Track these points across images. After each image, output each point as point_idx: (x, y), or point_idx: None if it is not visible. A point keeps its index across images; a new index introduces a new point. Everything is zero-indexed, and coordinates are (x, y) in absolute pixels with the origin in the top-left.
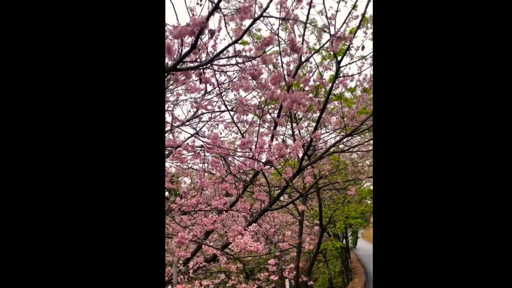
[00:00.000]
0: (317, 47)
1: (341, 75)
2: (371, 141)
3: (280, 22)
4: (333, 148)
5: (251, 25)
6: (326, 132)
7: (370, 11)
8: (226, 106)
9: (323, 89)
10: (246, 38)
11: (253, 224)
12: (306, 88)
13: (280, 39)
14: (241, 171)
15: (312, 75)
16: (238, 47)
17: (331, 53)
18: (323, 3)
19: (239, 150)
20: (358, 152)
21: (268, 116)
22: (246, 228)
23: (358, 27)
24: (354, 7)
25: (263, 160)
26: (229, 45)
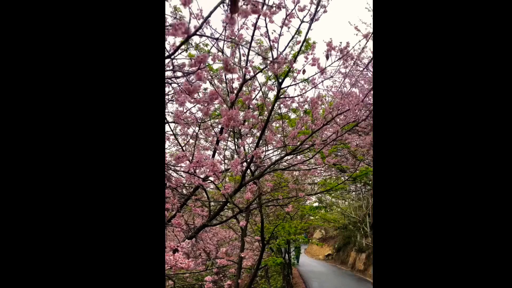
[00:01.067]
0: (263, 66)
1: (282, 96)
2: (311, 160)
3: (225, 39)
4: (275, 165)
5: (183, 42)
6: (271, 150)
7: (314, 37)
8: (165, 118)
9: (266, 108)
10: (193, 52)
11: (188, 240)
12: (250, 106)
13: (224, 56)
14: (180, 185)
15: (257, 94)
16: (184, 60)
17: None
18: (266, 26)
19: (174, 163)
20: (302, 170)
21: (212, 131)
22: (179, 244)
23: (299, 52)
24: (298, 32)
25: (203, 175)
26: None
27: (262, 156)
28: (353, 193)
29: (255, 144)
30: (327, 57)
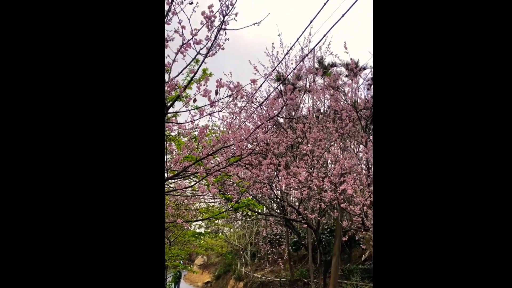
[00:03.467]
0: None
1: (169, 120)
2: (195, 186)
3: None
4: None
5: None
6: None
7: (213, 68)
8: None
9: None
10: None
11: None
12: None
13: None
14: None
15: None
16: None
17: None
18: None
19: None
20: (186, 196)
21: None
22: None
23: (190, 81)
24: (196, 61)
25: None
26: None
27: None
28: (239, 221)
29: None
30: (216, 93)
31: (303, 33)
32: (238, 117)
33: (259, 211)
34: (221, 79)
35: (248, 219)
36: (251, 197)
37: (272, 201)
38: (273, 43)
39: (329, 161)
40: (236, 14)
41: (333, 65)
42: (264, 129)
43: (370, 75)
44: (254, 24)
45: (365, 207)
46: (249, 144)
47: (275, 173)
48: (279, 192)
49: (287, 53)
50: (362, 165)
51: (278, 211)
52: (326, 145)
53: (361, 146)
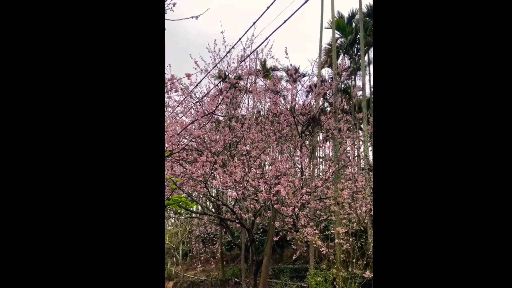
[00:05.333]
0: None
1: None
2: None
3: None
4: None
5: None
6: None
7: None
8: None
9: None
10: None
11: None
12: None
13: None
14: None
15: None
16: None
17: None
18: None
19: None
20: None
21: None
22: None
23: None
24: None
25: None
26: None
27: None
28: (171, 219)
29: None
30: None
31: (245, 33)
32: (173, 111)
33: (193, 209)
34: None
35: (181, 217)
36: (184, 194)
37: (207, 200)
38: (215, 40)
39: (267, 163)
40: (174, 4)
41: (274, 68)
42: (200, 125)
43: (308, 82)
44: (192, 17)
45: (296, 209)
46: (184, 139)
47: (211, 171)
48: (214, 191)
49: (229, 51)
50: (297, 168)
51: (213, 210)
52: (264, 147)
53: (297, 150)
